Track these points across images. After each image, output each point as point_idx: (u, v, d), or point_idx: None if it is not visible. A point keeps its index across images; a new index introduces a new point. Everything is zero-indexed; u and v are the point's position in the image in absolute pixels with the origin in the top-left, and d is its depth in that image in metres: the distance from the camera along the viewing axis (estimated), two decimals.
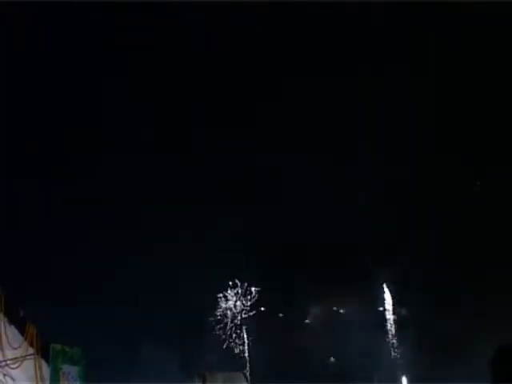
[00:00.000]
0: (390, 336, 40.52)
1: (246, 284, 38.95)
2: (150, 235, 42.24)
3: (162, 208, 44.32)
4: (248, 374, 34.39)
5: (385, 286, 43.59)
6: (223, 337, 37.62)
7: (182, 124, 47.26)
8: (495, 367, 13.42)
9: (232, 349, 37.87)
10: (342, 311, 39.90)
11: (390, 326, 41.59)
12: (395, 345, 39.67)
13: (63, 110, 45.04)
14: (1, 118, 40.77)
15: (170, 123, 47.83)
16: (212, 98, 46.99)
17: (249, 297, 39.33)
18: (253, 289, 39.71)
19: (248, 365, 37.01)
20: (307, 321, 38.88)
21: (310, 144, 46.12)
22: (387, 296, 43.21)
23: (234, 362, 36.45)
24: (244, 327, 37.67)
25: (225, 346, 37.61)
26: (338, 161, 43.87)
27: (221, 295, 38.91)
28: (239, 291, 39.61)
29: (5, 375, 27.16)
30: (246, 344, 37.68)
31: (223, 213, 43.22)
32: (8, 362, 26.29)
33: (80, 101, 44.47)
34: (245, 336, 37.37)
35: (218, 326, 37.92)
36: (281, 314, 39.44)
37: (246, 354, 37.50)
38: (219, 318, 38.25)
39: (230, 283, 39.46)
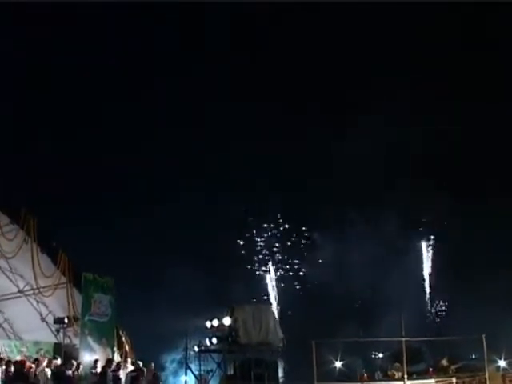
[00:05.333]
0: None
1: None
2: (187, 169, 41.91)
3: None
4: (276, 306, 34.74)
5: None
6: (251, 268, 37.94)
7: None
8: None
9: (259, 281, 38.31)
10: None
11: None
12: None
13: None
14: None
15: None
16: None
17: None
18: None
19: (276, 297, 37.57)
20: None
21: None
22: None
23: (260, 295, 36.87)
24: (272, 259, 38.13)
25: (252, 278, 38.01)
26: None
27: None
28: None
29: (38, 302, 28.15)
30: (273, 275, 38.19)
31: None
32: (41, 290, 27.31)
33: None
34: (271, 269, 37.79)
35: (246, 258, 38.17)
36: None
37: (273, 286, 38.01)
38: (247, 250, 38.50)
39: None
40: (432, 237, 42.24)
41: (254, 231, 40.62)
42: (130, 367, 24.22)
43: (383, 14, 42.39)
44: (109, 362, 23.16)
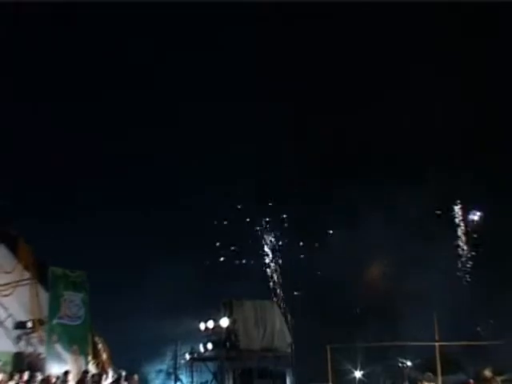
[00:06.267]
0: None
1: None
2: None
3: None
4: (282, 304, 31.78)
5: None
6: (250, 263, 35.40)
7: None
8: None
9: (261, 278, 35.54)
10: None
11: None
12: None
13: None
14: None
15: None
16: None
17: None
18: None
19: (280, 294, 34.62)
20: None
21: None
22: None
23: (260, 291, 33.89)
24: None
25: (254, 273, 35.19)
26: None
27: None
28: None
29: None
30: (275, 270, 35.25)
31: None
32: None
33: None
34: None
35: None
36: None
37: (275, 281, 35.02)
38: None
39: None
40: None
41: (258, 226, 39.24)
42: (111, 379, 21.37)
43: (383, 15, 42.66)
44: (85, 373, 20.42)
